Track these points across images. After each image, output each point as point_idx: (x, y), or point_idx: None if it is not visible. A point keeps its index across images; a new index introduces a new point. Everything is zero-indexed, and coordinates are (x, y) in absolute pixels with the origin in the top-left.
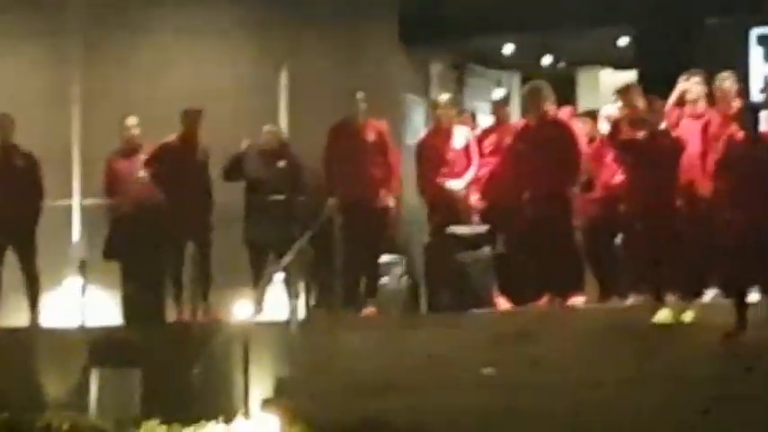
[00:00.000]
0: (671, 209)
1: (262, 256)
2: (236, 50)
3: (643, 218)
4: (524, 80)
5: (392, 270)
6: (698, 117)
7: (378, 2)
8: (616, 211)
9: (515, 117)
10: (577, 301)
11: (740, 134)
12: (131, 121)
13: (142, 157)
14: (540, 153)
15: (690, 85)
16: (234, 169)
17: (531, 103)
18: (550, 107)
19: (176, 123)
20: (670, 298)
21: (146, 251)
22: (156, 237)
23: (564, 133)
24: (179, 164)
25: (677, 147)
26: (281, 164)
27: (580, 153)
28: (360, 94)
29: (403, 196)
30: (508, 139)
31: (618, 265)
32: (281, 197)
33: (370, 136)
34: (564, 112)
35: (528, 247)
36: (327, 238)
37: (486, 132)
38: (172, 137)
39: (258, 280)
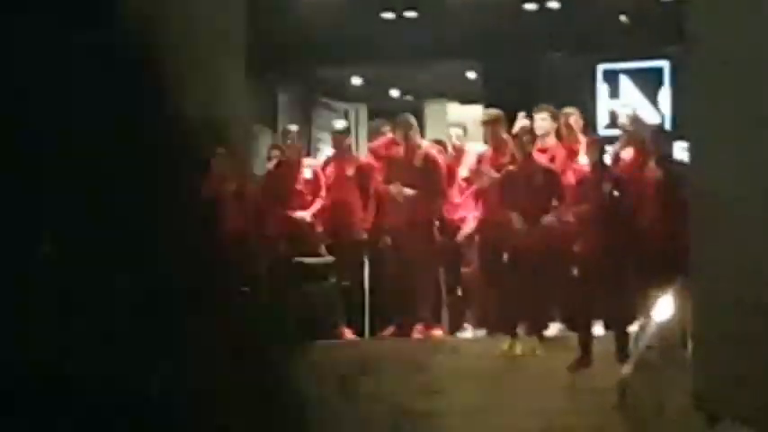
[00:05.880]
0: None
1: None
2: None
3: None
4: (371, 112)
5: None
6: (544, 151)
7: (223, 31)
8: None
9: (360, 149)
10: (437, 332)
11: (587, 168)
12: None
13: None
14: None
15: (538, 120)
16: None
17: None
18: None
19: None
20: (519, 330)
21: None
22: None
23: (430, 165)
24: None
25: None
26: None
27: (444, 183)
28: None
29: None
30: (350, 170)
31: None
32: None
33: None
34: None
35: (382, 276)
36: None
37: (327, 163)
38: None
39: None
